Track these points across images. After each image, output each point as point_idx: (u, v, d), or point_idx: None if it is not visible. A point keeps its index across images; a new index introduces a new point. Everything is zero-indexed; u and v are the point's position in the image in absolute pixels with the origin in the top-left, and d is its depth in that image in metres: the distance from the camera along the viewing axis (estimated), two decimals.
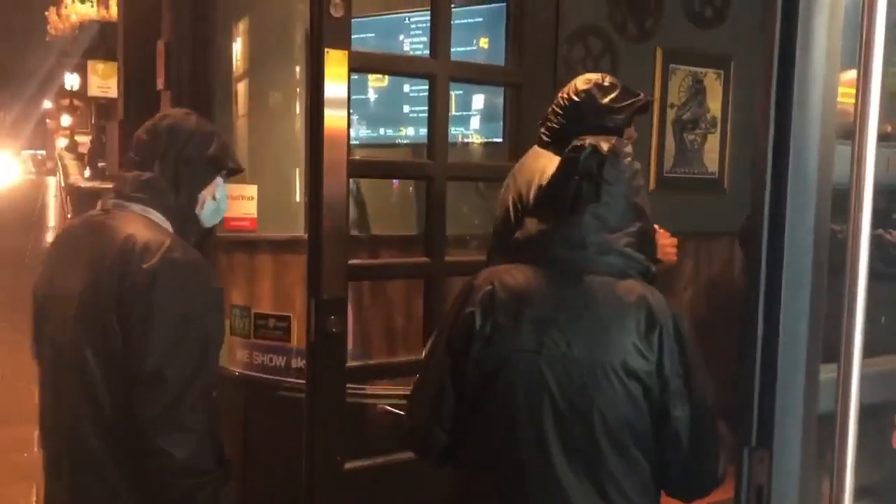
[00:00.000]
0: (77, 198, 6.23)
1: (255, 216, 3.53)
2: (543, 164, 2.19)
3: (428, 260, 2.73)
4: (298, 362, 3.13)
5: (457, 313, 1.64)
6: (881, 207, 1.24)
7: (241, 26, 3.59)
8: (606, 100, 2.24)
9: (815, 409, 1.19)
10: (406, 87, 3.24)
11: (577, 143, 1.63)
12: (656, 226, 2.22)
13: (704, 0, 4.69)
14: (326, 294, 2.56)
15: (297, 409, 3.02)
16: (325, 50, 2.49)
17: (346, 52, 2.53)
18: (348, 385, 2.68)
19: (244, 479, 3.20)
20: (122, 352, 1.61)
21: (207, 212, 1.82)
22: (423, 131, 2.84)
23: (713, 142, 4.76)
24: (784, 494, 1.17)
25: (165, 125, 1.76)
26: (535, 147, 2.37)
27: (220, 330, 1.77)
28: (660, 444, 1.54)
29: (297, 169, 3.63)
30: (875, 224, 1.08)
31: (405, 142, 3.47)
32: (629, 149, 1.64)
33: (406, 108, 3.20)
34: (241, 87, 3.61)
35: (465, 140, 3.49)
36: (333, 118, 2.52)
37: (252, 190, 3.52)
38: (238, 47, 3.55)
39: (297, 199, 3.73)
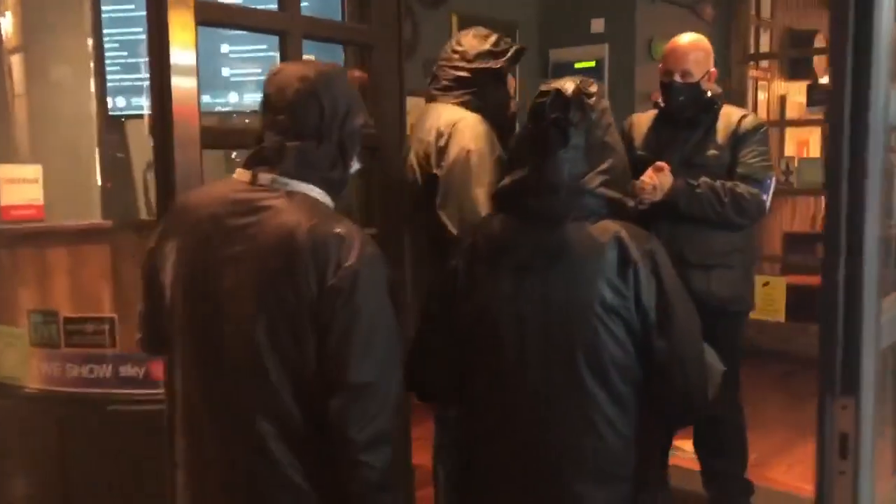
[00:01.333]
0: None
1: (41, 203, 2.96)
2: (439, 112, 2.31)
3: None
4: (129, 370, 2.68)
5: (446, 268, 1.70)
6: None
7: None
8: (486, 45, 2.37)
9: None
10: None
11: (542, 88, 1.64)
12: (661, 162, 2.51)
13: None
14: None
15: (138, 424, 2.61)
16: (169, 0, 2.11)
17: (192, 1, 2.16)
18: None
19: None
20: (317, 359, 1.40)
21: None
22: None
23: None
24: (867, 440, 1.17)
25: (323, 88, 1.51)
26: (427, 105, 2.38)
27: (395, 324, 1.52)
28: (647, 375, 1.58)
29: (94, 148, 3.10)
30: None
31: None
32: (594, 88, 1.63)
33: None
34: (17, 60, 2.98)
35: None
36: (182, 80, 2.14)
37: (35, 171, 2.94)
38: (8, 18, 2.92)
39: (95, 181, 3.19)
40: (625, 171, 1.75)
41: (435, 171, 2.22)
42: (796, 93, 7.08)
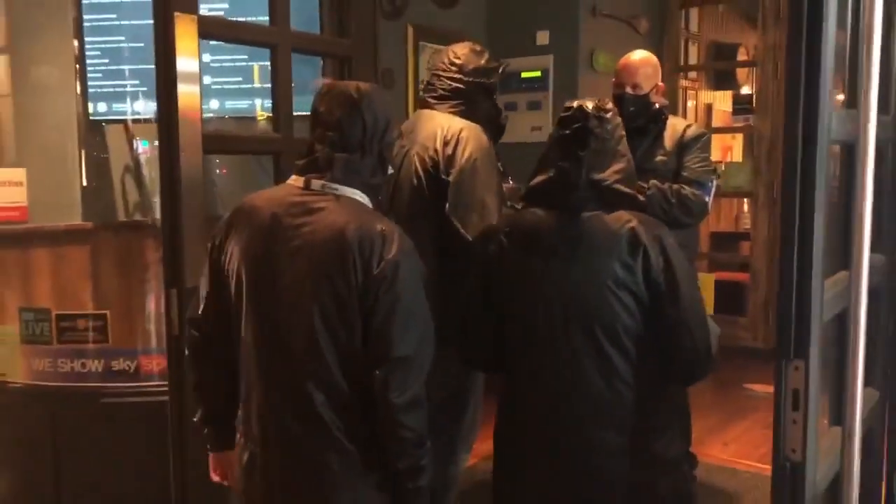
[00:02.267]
0: None
1: (26, 204, 3.05)
2: (440, 121, 2.48)
3: None
4: (121, 364, 2.81)
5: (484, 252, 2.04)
6: None
7: None
8: (482, 61, 2.59)
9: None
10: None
11: (567, 104, 1.96)
12: None
13: None
14: (191, 282, 2.35)
15: (129, 416, 2.75)
16: (175, 14, 2.27)
17: (195, 16, 2.33)
18: None
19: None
20: (363, 338, 1.64)
21: None
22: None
23: None
24: (813, 395, 1.44)
25: (367, 107, 1.74)
26: (421, 112, 2.57)
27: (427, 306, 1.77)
28: (662, 340, 1.87)
29: (76, 151, 3.19)
30: None
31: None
32: (609, 105, 1.91)
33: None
34: (2, 61, 3.06)
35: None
36: (186, 89, 2.31)
37: (20, 174, 3.03)
38: None
39: (77, 183, 3.28)
40: (633, 173, 2.03)
41: (443, 176, 2.38)
42: (721, 101, 7.55)
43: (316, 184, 1.73)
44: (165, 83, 2.29)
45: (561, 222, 1.93)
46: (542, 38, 5.18)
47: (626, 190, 1.94)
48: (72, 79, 3.23)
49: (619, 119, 1.99)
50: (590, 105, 1.93)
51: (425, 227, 2.33)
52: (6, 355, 2.90)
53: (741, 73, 7.34)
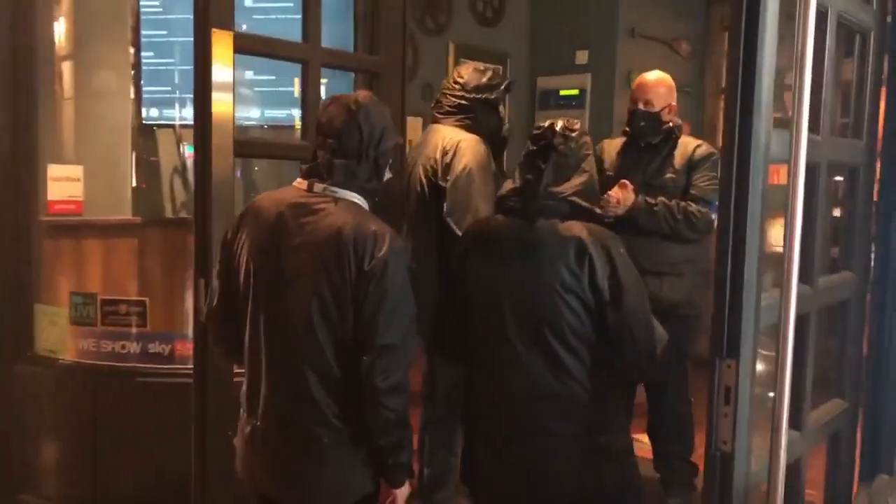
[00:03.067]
0: None
1: (82, 199, 3.35)
2: (443, 133, 2.74)
3: None
4: (157, 347, 3.07)
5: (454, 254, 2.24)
6: None
7: (64, 4, 3.35)
8: (484, 80, 2.85)
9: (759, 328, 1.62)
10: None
11: (538, 123, 2.14)
12: (625, 181, 2.97)
13: (485, 0, 5.20)
14: None
15: (162, 395, 2.99)
16: (212, 30, 2.51)
17: (232, 32, 2.57)
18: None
19: (96, 472, 3.08)
20: (353, 327, 1.84)
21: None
22: None
23: None
24: (744, 391, 1.58)
25: (363, 118, 1.92)
26: (430, 126, 2.83)
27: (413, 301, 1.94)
28: (607, 341, 2.01)
29: (130, 152, 3.49)
30: None
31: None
32: (578, 125, 2.10)
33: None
34: (67, 67, 3.37)
35: None
36: (220, 97, 2.54)
37: (78, 171, 3.33)
38: (62, 26, 3.31)
39: (128, 182, 3.58)
40: (594, 189, 2.18)
41: (441, 182, 2.66)
42: None
43: (318, 187, 1.94)
44: (202, 92, 2.53)
45: (519, 229, 2.09)
46: (582, 57, 5.33)
47: (583, 203, 2.08)
48: (128, 85, 3.53)
49: (587, 138, 2.14)
50: (558, 123, 2.10)
51: (428, 229, 2.55)
52: (58, 335, 3.19)
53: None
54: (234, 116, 2.61)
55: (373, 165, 1.96)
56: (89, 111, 3.35)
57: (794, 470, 1.78)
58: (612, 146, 3.33)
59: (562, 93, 5.35)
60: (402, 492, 1.93)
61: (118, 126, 3.51)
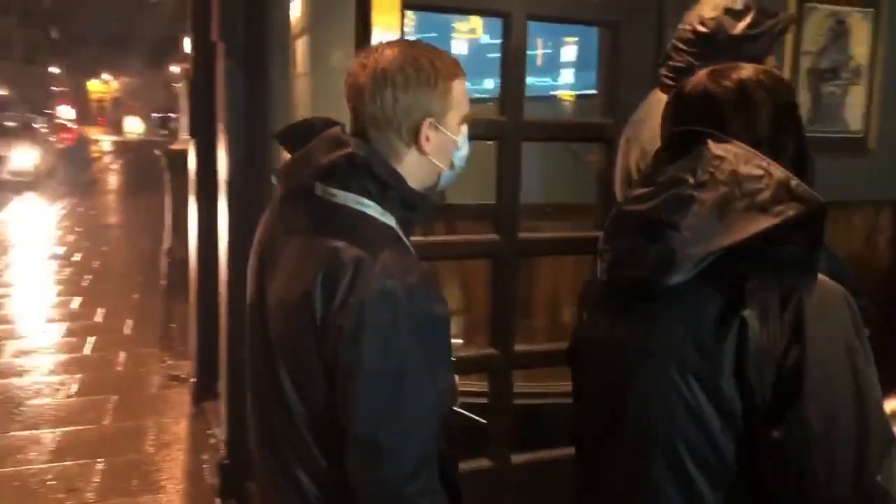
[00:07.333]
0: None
1: None
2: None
3: (497, 237, 2.27)
4: None
5: None
6: None
7: None
8: (740, 27, 1.90)
9: None
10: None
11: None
12: None
13: None
14: None
15: None
16: None
17: None
18: None
19: None
20: (331, 401, 1.18)
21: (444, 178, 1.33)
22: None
23: (857, 94, 4.04)
24: None
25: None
26: (656, 92, 1.97)
27: (447, 376, 1.23)
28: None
29: None
30: None
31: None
32: None
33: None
34: (301, 44, 3.22)
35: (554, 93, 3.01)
36: None
37: None
38: (297, 2, 3.16)
39: None
40: None
41: None
42: None
43: (318, 188, 1.30)
44: None
45: None
46: None
47: None
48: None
49: None
50: None
51: None
52: None
53: None
54: None
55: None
56: (324, 88, 3.14)
57: None
58: None
59: None
60: None
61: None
